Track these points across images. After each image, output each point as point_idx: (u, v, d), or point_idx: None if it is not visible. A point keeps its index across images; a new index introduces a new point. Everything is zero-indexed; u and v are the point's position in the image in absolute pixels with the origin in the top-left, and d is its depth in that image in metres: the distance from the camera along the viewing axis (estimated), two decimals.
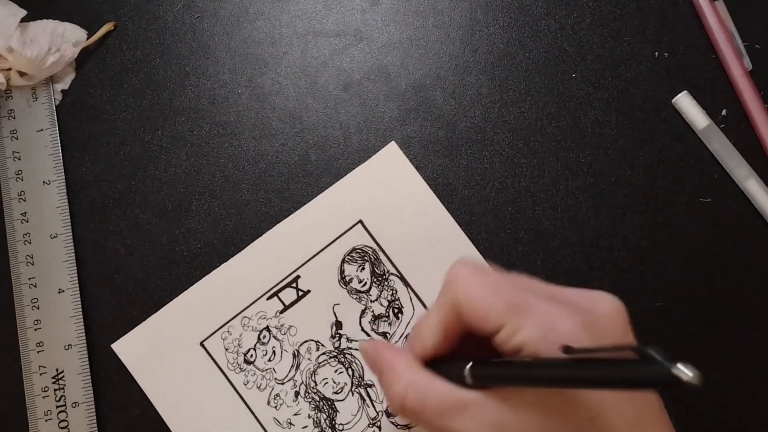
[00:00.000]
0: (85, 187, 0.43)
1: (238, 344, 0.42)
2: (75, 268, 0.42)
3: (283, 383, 0.42)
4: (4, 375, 0.42)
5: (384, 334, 0.42)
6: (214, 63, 0.44)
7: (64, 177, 0.43)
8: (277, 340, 0.42)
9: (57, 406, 0.41)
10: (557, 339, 0.29)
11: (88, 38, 0.44)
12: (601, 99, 0.44)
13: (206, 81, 0.44)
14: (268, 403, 0.42)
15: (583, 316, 0.30)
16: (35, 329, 0.42)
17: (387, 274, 0.43)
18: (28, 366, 0.42)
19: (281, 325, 0.42)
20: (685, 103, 0.43)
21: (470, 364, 0.32)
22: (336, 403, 0.42)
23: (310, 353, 0.42)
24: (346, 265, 0.43)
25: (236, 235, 0.43)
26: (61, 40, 0.43)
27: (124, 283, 0.43)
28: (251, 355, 0.42)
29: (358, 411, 0.42)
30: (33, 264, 0.42)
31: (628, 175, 0.43)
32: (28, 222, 0.43)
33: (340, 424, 0.42)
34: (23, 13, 0.42)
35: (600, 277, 0.43)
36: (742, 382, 0.42)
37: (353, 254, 0.43)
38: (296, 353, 0.42)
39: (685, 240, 0.43)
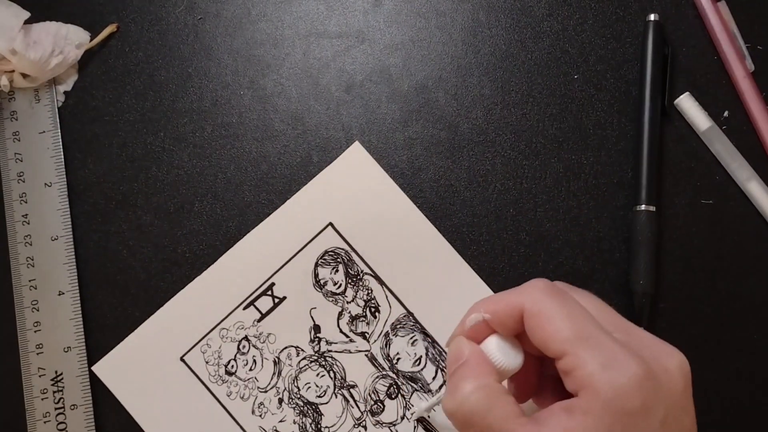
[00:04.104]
0: (87, 189, 0.43)
1: (218, 356, 0.42)
2: (75, 270, 0.42)
3: (266, 391, 0.42)
4: (4, 376, 0.42)
5: (363, 334, 0.42)
6: (216, 64, 0.44)
7: (65, 179, 0.43)
8: (257, 348, 0.42)
9: (56, 408, 0.41)
10: (623, 383, 0.28)
11: (90, 40, 0.44)
12: (602, 100, 0.44)
13: (208, 82, 0.44)
14: (253, 412, 0.42)
15: (648, 366, 0.29)
16: (35, 331, 0.42)
17: (361, 274, 0.43)
18: (27, 368, 0.41)
19: (260, 334, 0.42)
20: (687, 104, 0.43)
21: None
22: (320, 407, 0.42)
23: (291, 359, 0.42)
24: (319, 269, 0.43)
25: (238, 237, 0.43)
26: (64, 41, 0.43)
27: (126, 285, 0.43)
28: (232, 366, 0.42)
29: (342, 413, 0.42)
30: (33, 266, 0.42)
31: (629, 177, 0.43)
32: (29, 224, 0.43)
33: (326, 427, 0.42)
34: (26, 14, 0.43)
35: (601, 279, 0.43)
36: (743, 384, 0.42)
37: (326, 257, 0.43)
38: (277, 360, 0.42)
39: (687, 241, 0.43)
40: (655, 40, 0.42)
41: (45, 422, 0.41)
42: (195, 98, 0.44)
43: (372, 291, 0.43)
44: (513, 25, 0.44)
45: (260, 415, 0.42)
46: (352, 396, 0.42)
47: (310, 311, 0.42)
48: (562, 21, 0.44)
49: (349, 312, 0.42)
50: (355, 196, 0.43)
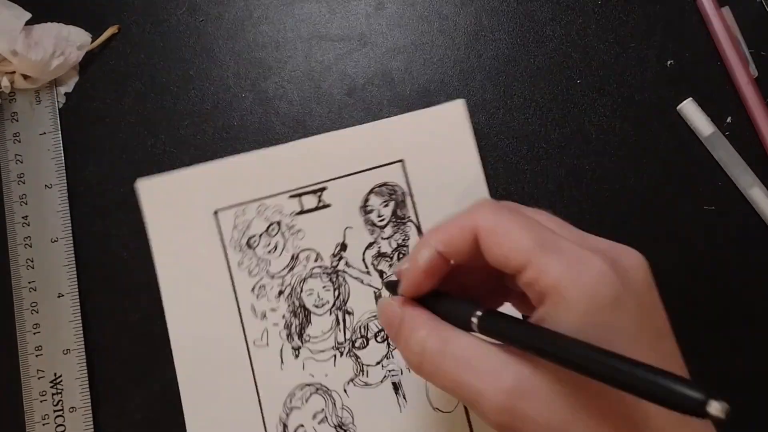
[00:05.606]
0: (88, 191, 0.43)
1: (247, 226, 0.43)
2: (75, 272, 0.42)
3: (272, 278, 0.42)
4: (3, 378, 0.42)
5: (381, 272, 0.43)
6: (217, 67, 0.44)
7: (65, 181, 0.43)
8: (284, 237, 0.43)
9: (54, 411, 0.41)
10: (589, 280, 0.27)
11: (92, 41, 0.44)
12: (605, 105, 0.44)
13: (210, 85, 0.44)
14: (252, 289, 0.42)
15: (612, 261, 0.28)
16: (34, 333, 0.42)
17: (406, 219, 0.43)
18: (26, 370, 0.41)
19: (292, 226, 0.43)
20: (690, 110, 0.43)
21: (480, 313, 0.29)
22: (312, 316, 0.42)
23: (308, 261, 0.43)
24: (372, 196, 0.43)
25: None
26: (66, 43, 0.43)
27: (126, 287, 0.42)
28: (254, 241, 0.43)
29: (329, 330, 0.42)
30: (33, 268, 0.42)
31: (632, 182, 0.43)
32: (29, 226, 0.42)
33: (308, 335, 0.42)
34: (28, 16, 0.42)
35: None
36: (746, 389, 0.42)
37: (383, 188, 0.43)
38: (295, 256, 0.43)
39: (689, 247, 0.43)
40: None
41: (44, 424, 0.41)
42: (196, 100, 0.44)
43: (408, 239, 0.43)
44: (516, 29, 0.44)
45: (257, 296, 0.42)
46: (344, 320, 0.42)
47: (345, 229, 0.43)
48: (565, 26, 0.44)
49: (379, 247, 0.43)
50: (437, 147, 0.43)
